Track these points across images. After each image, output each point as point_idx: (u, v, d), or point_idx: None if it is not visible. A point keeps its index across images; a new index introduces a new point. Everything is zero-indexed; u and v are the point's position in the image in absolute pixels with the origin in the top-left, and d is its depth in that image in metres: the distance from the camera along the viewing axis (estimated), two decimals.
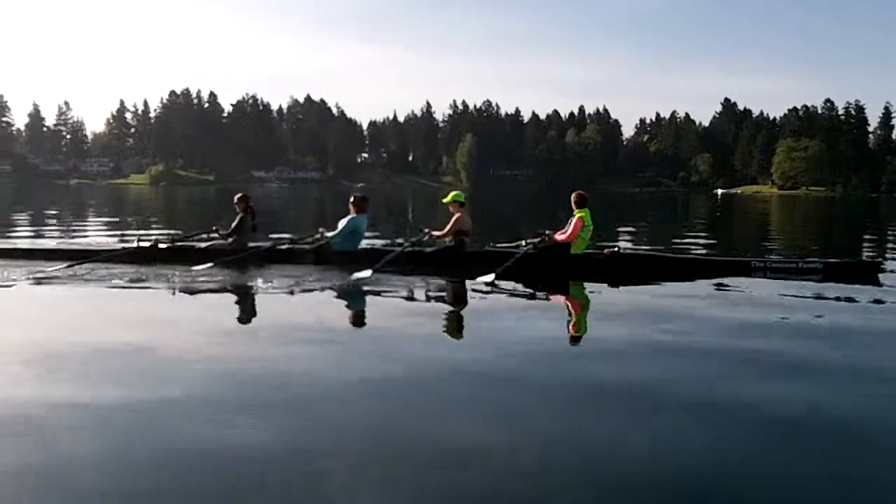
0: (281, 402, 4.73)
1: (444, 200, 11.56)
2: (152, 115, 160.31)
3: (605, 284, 10.12)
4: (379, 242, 13.83)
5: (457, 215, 11.20)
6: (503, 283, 9.52)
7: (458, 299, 9.21)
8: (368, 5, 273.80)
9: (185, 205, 47.26)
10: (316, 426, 4.32)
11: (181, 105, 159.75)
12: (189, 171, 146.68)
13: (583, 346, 6.98)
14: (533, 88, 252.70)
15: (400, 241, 11.59)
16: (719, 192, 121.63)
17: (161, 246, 11.42)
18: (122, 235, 17.26)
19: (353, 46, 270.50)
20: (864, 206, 66.77)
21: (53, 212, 32.16)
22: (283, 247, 11.44)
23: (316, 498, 3.48)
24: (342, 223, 11.34)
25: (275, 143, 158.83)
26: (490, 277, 9.46)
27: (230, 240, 11.41)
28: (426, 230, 11.51)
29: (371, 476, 3.67)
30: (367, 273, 9.77)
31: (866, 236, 25.95)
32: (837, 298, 9.10)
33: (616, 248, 11.45)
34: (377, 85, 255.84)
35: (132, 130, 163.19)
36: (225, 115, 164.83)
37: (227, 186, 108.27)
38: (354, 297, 9.17)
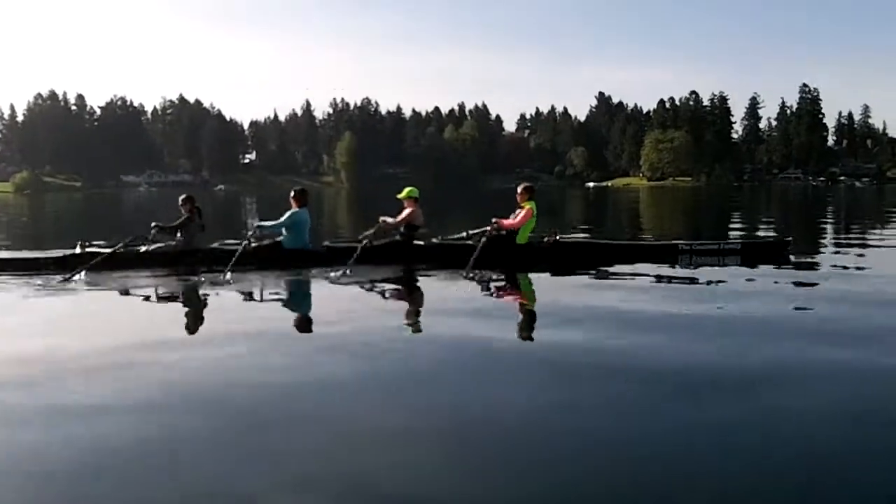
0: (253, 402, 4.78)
1: (399, 196, 11.86)
2: (20, 119, 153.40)
3: (549, 274, 10.59)
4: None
5: (410, 209, 11.60)
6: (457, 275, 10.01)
7: (409, 292, 9.62)
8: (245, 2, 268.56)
9: (52, 214, 45.21)
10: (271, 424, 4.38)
11: (47, 108, 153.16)
12: (56, 177, 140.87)
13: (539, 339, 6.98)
14: (414, 87, 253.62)
15: (360, 236, 11.65)
16: (591, 185, 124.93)
17: (118, 251, 11.00)
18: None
19: (230, 42, 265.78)
20: (726, 194, 69.86)
21: None
22: (236, 247, 11.17)
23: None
24: (283, 217, 11.44)
25: (146, 145, 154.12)
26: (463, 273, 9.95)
27: (176, 241, 11.36)
28: (381, 218, 11.67)
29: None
30: (338, 272, 10.07)
31: (733, 221, 27.98)
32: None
33: (556, 237, 11.83)
34: (258, 84, 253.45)
35: None
36: (94, 117, 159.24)
37: (93, 193, 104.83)
38: (308, 296, 9.60)
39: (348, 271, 10.12)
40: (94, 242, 11.63)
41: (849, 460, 3.82)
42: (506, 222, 11.46)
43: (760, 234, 20.36)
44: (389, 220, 11.60)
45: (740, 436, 4.13)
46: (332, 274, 10.03)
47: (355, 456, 3.90)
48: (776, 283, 9.71)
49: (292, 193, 11.74)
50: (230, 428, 4.29)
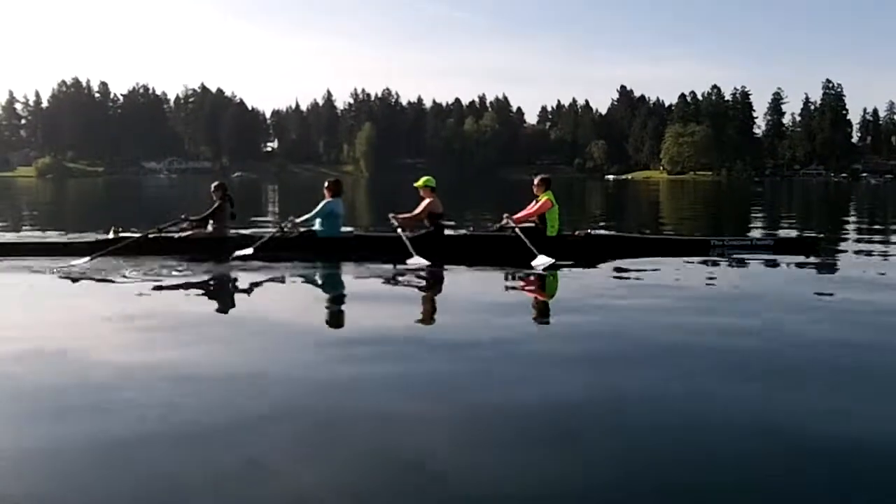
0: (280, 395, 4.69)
1: (416, 185, 11.77)
2: (44, 105, 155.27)
3: (581, 267, 10.46)
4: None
5: (428, 199, 11.47)
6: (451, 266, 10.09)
7: (438, 283, 9.55)
8: None
9: (73, 199, 45.50)
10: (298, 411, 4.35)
11: (71, 95, 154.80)
12: (78, 162, 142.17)
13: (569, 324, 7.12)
14: (435, 79, 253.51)
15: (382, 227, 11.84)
16: (611, 177, 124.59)
17: (151, 236, 11.17)
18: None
19: (255, 34, 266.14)
20: (746, 189, 69.32)
21: None
22: (275, 234, 11.28)
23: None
24: (317, 208, 11.43)
25: (167, 132, 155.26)
26: (550, 261, 10.01)
27: (210, 227, 11.41)
28: (391, 215, 11.56)
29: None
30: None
31: (755, 216, 27.86)
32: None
33: (588, 231, 12.16)
34: (281, 74, 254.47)
35: (23, 122, 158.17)
36: (117, 104, 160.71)
37: (114, 178, 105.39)
38: (340, 285, 9.47)
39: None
40: (131, 228, 11.74)
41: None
42: (517, 215, 11.45)
43: (783, 230, 20.32)
44: (404, 214, 11.48)
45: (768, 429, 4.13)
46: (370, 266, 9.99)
47: (388, 442, 3.91)
48: (805, 279, 9.90)
49: (326, 184, 11.72)
50: (260, 418, 4.24)
